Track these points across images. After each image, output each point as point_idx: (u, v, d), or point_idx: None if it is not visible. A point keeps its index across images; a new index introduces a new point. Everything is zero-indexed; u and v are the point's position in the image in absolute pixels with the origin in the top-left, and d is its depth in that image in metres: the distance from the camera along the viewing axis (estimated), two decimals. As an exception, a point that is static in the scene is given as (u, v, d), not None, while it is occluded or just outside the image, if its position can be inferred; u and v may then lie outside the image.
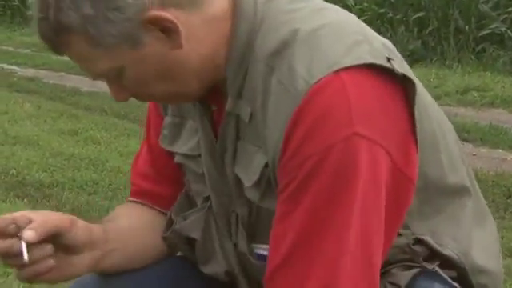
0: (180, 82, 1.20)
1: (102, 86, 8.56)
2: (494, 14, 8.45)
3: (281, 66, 1.15)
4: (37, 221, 1.19)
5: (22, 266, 1.18)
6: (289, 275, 1.14)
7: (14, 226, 1.17)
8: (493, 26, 8.33)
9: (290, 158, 1.14)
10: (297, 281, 1.13)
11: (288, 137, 1.13)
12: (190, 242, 1.36)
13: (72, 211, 3.98)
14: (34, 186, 4.51)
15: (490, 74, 7.44)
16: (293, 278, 1.14)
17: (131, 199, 1.44)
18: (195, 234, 1.33)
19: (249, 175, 1.22)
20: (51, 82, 9.23)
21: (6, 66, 10.84)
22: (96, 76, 1.20)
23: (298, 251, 1.13)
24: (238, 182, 1.25)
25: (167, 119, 1.36)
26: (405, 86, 1.16)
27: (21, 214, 1.21)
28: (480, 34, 8.34)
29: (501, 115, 6.33)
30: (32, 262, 1.19)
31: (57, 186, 4.52)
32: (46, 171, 4.85)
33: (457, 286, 1.24)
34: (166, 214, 1.40)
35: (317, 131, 1.12)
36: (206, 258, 1.34)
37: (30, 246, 1.18)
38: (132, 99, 1.25)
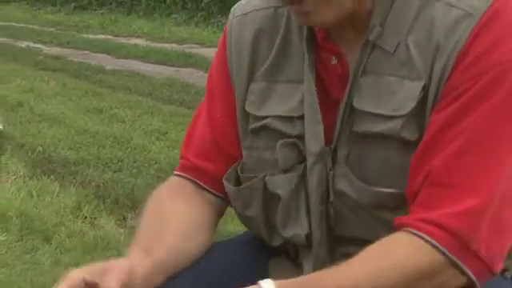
0: None
1: (126, 65, 8.61)
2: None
3: None
4: None
5: None
6: (447, 182, 1.17)
7: None
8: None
9: (467, 69, 1.17)
10: (456, 191, 1.17)
11: (467, 49, 1.17)
12: (269, 199, 1.32)
13: (97, 188, 4.05)
14: (59, 163, 4.58)
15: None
16: (451, 189, 1.17)
17: (178, 173, 1.40)
18: (282, 192, 1.30)
19: (392, 106, 1.22)
20: (76, 60, 9.31)
21: (31, 44, 10.93)
22: None
23: (465, 156, 1.17)
24: (362, 118, 1.23)
25: (254, 86, 1.34)
26: None
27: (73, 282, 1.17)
28: None
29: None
30: None
31: (82, 163, 4.59)
32: (71, 149, 4.92)
33: None
34: (210, 194, 1.37)
35: (504, 43, 1.17)
36: (286, 218, 1.31)
37: None
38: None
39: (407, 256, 1.17)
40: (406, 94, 1.21)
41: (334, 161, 1.26)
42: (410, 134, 1.21)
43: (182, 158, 1.41)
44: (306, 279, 1.19)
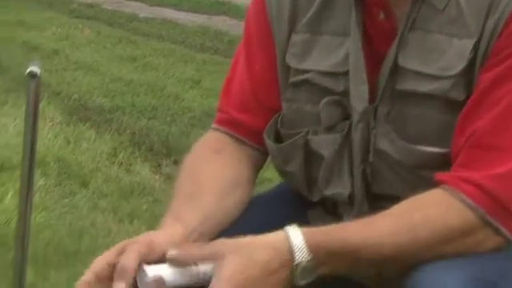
0: None
1: (159, 13, 8.59)
2: None
3: None
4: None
5: None
6: (491, 144, 1.16)
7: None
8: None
9: None
10: (499, 153, 1.16)
11: None
12: (310, 156, 1.30)
13: (132, 135, 4.12)
14: (95, 111, 4.66)
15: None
16: (494, 150, 1.16)
17: (216, 127, 1.38)
18: (325, 152, 1.28)
19: (440, 65, 1.19)
20: (110, 8, 9.33)
21: (65, -8, 10.97)
22: None
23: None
24: (406, 76, 1.22)
25: (296, 37, 1.31)
26: None
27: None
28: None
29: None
30: None
31: (117, 110, 4.66)
32: (106, 96, 4.99)
33: None
34: (249, 147, 1.36)
35: None
36: (328, 178, 1.29)
37: None
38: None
39: (438, 213, 1.15)
40: (456, 53, 1.18)
41: (375, 119, 1.25)
42: (457, 94, 1.19)
43: (220, 110, 1.39)
44: (332, 229, 1.16)
